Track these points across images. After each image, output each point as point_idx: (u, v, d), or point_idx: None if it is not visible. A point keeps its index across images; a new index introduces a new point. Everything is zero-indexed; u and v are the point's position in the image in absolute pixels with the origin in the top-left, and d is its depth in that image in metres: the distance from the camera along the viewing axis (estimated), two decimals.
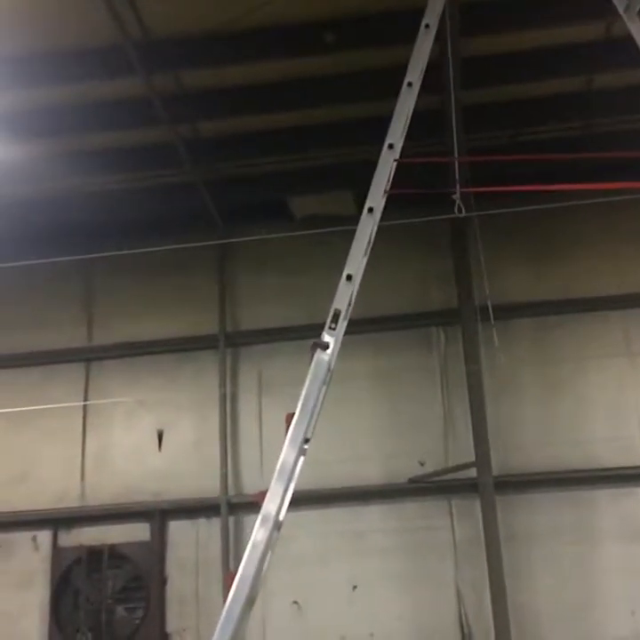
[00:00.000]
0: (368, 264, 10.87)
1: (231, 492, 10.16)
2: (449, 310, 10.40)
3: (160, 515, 10.17)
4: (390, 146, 5.07)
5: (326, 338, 5.06)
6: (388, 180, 5.13)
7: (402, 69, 8.55)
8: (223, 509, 10.02)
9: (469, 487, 9.71)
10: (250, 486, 10.23)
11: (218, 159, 9.86)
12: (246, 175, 10.14)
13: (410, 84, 5.15)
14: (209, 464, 10.27)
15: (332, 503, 10.01)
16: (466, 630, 9.42)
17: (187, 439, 10.51)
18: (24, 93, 8.65)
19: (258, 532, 4.53)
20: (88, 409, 10.68)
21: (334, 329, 5.01)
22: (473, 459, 9.63)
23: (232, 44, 8.27)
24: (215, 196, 10.26)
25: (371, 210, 5.00)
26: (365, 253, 5.13)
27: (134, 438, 10.57)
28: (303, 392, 4.89)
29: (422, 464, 9.99)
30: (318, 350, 4.99)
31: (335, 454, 10.00)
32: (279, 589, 9.73)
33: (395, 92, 8.88)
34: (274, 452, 10.28)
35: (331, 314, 5.11)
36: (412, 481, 9.91)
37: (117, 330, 10.88)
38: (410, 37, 8.02)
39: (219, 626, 4.26)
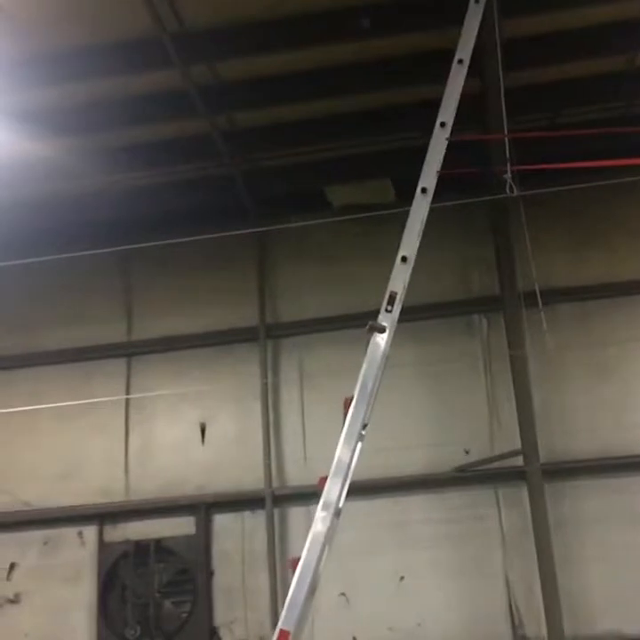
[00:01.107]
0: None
1: (275, 483, 10.13)
2: (491, 297, 10.31)
3: (205, 508, 10.16)
4: (442, 124, 4.99)
5: (382, 321, 4.99)
6: (441, 160, 5.02)
7: (439, 53, 8.60)
8: (268, 502, 9.99)
9: (516, 475, 9.62)
10: (293, 478, 10.21)
11: (255, 150, 9.83)
12: (283, 165, 10.09)
13: (460, 61, 5.08)
14: (252, 456, 10.25)
15: (377, 494, 9.94)
16: (516, 619, 9.32)
17: (229, 432, 10.49)
18: (62, 90, 8.69)
19: (319, 519, 4.53)
20: (130, 404, 10.69)
21: (390, 312, 4.96)
22: (519, 446, 9.53)
23: (267, 32, 8.23)
24: (252, 188, 10.23)
25: (424, 190, 4.94)
26: (419, 234, 5.04)
27: (177, 432, 10.57)
28: (360, 376, 4.84)
29: (467, 452, 9.90)
30: (374, 333, 4.92)
31: (378, 444, 9.85)
32: (326, 581, 9.49)
33: (432, 77, 8.90)
34: (317, 443, 10.43)
35: (386, 296, 5.06)
36: (457, 470, 9.82)
37: (157, 324, 10.88)
38: (447, 22, 8.04)
39: (283, 612, 4.26)
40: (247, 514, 10.18)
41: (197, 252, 10.66)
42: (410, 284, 10.56)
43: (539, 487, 9.30)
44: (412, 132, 9.66)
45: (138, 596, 10.02)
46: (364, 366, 4.92)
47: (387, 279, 10.41)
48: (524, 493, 9.51)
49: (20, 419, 10.61)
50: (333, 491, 4.68)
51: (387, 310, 5.16)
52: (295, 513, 10.12)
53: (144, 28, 7.94)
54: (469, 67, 5.78)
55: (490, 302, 10.30)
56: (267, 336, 10.59)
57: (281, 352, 10.66)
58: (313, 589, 4.41)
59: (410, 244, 5.21)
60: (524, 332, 9.57)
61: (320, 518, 4.54)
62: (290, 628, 4.36)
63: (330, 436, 10.10)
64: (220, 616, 9.93)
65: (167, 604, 10.00)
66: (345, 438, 4.83)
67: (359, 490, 9.56)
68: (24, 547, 10.47)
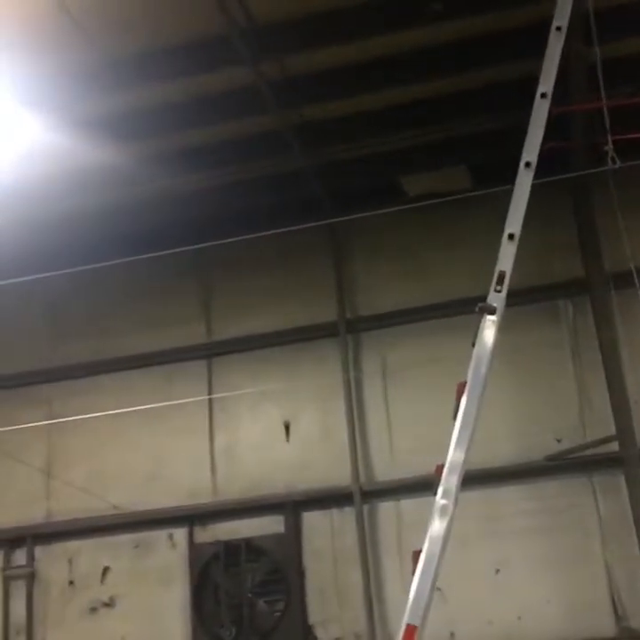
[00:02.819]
0: (484, 238, 10.61)
1: (362, 479, 10.02)
2: (575, 280, 10.03)
3: (293, 506, 10.11)
4: (543, 95, 4.81)
5: (492, 301, 4.84)
6: (542, 132, 4.83)
7: (514, 35, 8.40)
8: (356, 498, 9.89)
9: (611, 462, 9.34)
10: (381, 473, 10.11)
11: (327, 143, 9.70)
12: (357, 158, 9.93)
13: (558, 28, 4.85)
14: (337, 452, 10.17)
15: (467, 486, 9.61)
16: (619, 610, 9.04)
17: (313, 429, 10.42)
18: (131, 94, 8.71)
19: (439, 507, 4.43)
20: (214, 405, 10.70)
21: (500, 291, 4.80)
22: (613, 432, 9.25)
23: (336, 23, 8.09)
24: (326, 182, 10.12)
25: (528, 164, 4.77)
26: (524, 211, 4.87)
27: (261, 431, 10.55)
28: (473, 360, 4.72)
29: (559, 441, 9.64)
30: (485, 315, 4.78)
31: None
32: None
33: (507, 58, 8.72)
34: (403, 437, 10.28)
35: (495, 276, 4.91)
36: (549, 459, 9.57)
37: (236, 324, 10.87)
38: (515, 4, 7.86)
39: (408, 606, 4.17)
40: (335, 511, 10.10)
41: (273, 249, 10.66)
42: (490, 272, 10.39)
43: (636, 473, 9.01)
44: (486, 116, 9.48)
45: (231, 597, 10.00)
46: (476, 349, 4.79)
47: (465, 268, 10.38)
48: (621, 480, 9.23)
49: (105, 423, 10.68)
50: (452, 478, 4.59)
51: (496, 290, 5.01)
52: (384, 508, 10.01)
53: (212, 27, 7.89)
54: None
55: (575, 286, 10.03)
56: (347, 331, 10.48)
57: (362, 346, 10.54)
58: (435, 581, 4.32)
59: (516, 221, 5.07)
60: (614, 313, 9.29)
61: (440, 507, 4.45)
62: (416, 622, 4.26)
63: (416, 428, 10.12)
64: (314, 614, 9.86)
65: (260, 603, 9.96)
66: (461, 424, 4.71)
67: None
68: (116, 550, 10.56)
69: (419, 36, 8.39)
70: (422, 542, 9.87)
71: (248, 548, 10.08)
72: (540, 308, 10.15)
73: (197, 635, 9.98)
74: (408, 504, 9.91)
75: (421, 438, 10.00)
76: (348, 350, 10.43)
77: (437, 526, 4.38)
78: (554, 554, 9.34)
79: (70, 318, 11.49)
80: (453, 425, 4.90)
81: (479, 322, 4.87)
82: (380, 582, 9.74)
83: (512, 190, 9.76)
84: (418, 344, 10.28)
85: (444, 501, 4.44)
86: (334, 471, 10.11)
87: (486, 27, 8.33)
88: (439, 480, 4.60)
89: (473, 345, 5.07)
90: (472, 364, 4.75)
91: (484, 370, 4.74)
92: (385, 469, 10.10)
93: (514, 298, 9.85)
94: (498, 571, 9.48)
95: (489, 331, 4.85)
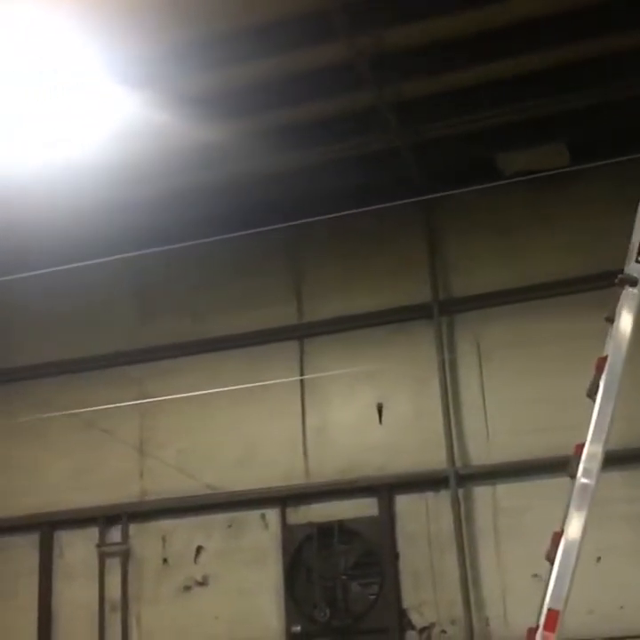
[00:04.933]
0: (583, 215, 10.26)
1: (457, 463, 9.86)
2: None
3: (386, 489, 10.01)
4: None
5: (632, 272, 4.64)
6: None
7: (619, 5, 8.05)
8: (452, 481, 9.74)
9: None
10: (476, 457, 9.92)
11: (422, 121, 9.46)
12: (452, 135, 9.67)
13: None
14: (431, 435, 10.02)
15: (566, 471, 9.48)
16: None
17: (406, 411, 10.28)
18: (228, 72, 8.61)
19: (580, 487, 4.32)
20: (305, 386, 10.64)
21: None
22: None
23: None
24: (420, 160, 9.90)
25: None
26: None
27: (353, 413, 10.45)
28: (612, 332, 4.53)
29: None
30: (626, 287, 4.59)
31: (566, 419, 9.44)
32: (517, 562, 9.39)
33: (608, 32, 8.38)
34: (499, 419, 10.06)
35: (636, 247, 4.68)
36: None
37: (327, 305, 10.76)
38: None
39: (550, 589, 4.07)
40: (430, 494, 9.96)
41: (365, 229, 10.54)
42: (589, 250, 10.07)
43: None
44: (585, 91, 9.16)
45: (324, 578, 9.97)
46: (616, 323, 4.61)
47: (563, 247, 10.09)
48: None
49: (196, 403, 10.76)
50: (593, 457, 4.46)
51: (637, 261, 4.81)
52: (480, 492, 9.83)
53: (308, 2, 7.76)
54: None
55: None
56: (440, 312, 10.29)
57: (456, 328, 10.34)
58: (576, 564, 4.20)
59: None
60: None
61: (580, 487, 4.34)
62: (559, 606, 4.16)
63: (512, 411, 9.90)
64: (409, 598, 9.76)
65: (354, 585, 9.91)
66: (601, 400, 4.58)
67: (547, 467, 9.36)
68: (209, 530, 10.61)
69: (518, 7, 8.09)
70: (515, 530, 9.73)
71: (341, 531, 10.03)
72: None
73: (291, 615, 9.99)
74: (504, 489, 9.74)
75: (517, 421, 9.83)
76: (442, 332, 10.25)
77: (578, 507, 4.27)
78: None
79: (160, 299, 11.53)
80: (590, 403, 4.72)
81: (618, 294, 4.66)
82: (475, 567, 9.59)
83: (612, 166, 9.48)
84: (514, 325, 10.06)
85: (584, 481, 4.35)
86: (428, 454, 9.97)
87: None
88: (578, 459, 4.47)
89: (607, 319, 4.89)
90: (612, 337, 4.57)
91: (624, 344, 4.56)
92: (480, 453, 9.92)
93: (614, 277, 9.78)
94: (599, 558, 9.21)
95: (630, 303, 4.66)
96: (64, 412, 10.87)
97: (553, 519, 9.10)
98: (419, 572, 9.79)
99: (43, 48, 7.71)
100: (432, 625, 9.64)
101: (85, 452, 11.20)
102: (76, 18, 7.52)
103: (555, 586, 4.21)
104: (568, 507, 4.39)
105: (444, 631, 9.58)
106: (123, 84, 8.41)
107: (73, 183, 9.69)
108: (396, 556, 9.89)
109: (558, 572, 4.23)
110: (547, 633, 4.59)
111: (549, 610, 4.23)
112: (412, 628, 9.70)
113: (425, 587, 9.73)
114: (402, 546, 9.93)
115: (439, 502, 9.89)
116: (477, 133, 9.64)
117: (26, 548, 11.19)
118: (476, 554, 9.64)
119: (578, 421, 9.38)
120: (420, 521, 9.93)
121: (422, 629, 9.67)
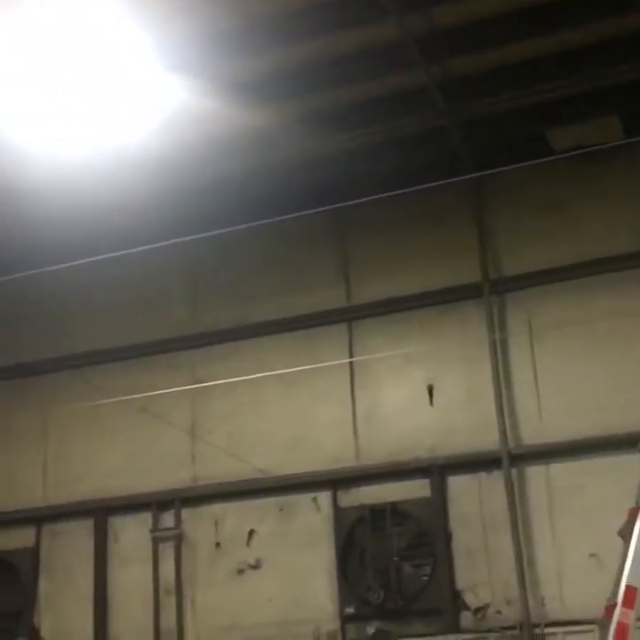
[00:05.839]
0: (637, 190, 10.08)
1: (510, 443, 9.78)
2: None
3: (438, 470, 9.96)
4: None
5: None
6: None
7: None
8: (504, 462, 9.65)
9: None
10: (529, 436, 9.83)
11: (471, 98, 9.38)
12: (501, 112, 9.55)
13: None
14: (483, 416, 9.93)
15: (620, 449, 9.36)
16: None
17: (457, 392, 10.22)
18: (273, 55, 8.64)
19: None
20: (355, 368, 10.63)
21: None
22: None
23: None
24: (469, 138, 9.82)
25: None
26: None
27: (404, 394, 10.41)
28: None
29: None
30: None
31: (621, 398, 9.43)
32: (573, 541, 9.30)
33: None
34: (552, 399, 9.95)
35: None
36: None
37: (376, 287, 10.73)
38: None
39: (627, 567, 3.99)
40: (483, 475, 9.89)
41: (413, 209, 10.51)
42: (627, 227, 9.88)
43: None
44: (638, 63, 9.00)
45: (377, 560, 9.96)
46: None
47: (615, 222, 9.96)
48: None
49: (246, 388, 10.81)
50: None
51: None
52: (533, 472, 9.74)
53: None
54: None
55: None
56: (491, 292, 10.20)
57: (507, 307, 10.25)
58: None
59: None
60: None
61: None
62: (637, 583, 4.08)
63: (564, 390, 9.80)
64: (462, 579, 9.71)
65: (407, 567, 9.89)
66: None
67: (601, 445, 9.28)
68: (261, 513, 10.65)
69: None
70: (571, 508, 9.58)
71: (393, 512, 10.02)
72: None
73: (344, 597, 10.00)
74: (558, 468, 9.65)
75: (570, 400, 9.72)
76: (493, 311, 10.16)
77: None
78: None
79: (211, 285, 11.59)
80: None
81: None
82: (530, 547, 9.50)
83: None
84: (565, 303, 9.94)
85: None
86: (480, 435, 9.90)
87: None
88: None
89: None
90: None
91: None
92: (532, 433, 9.82)
93: None
94: None
95: None
96: (118, 399, 10.97)
97: (608, 498, 9.12)
98: (472, 552, 9.73)
99: (97, 40, 7.78)
100: (487, 605, 9.57)
101: (138, 438, 11.33)
102: (130, 5, 7.61)
103: (633, 563, 4.12)
104: None
105: (499, 611, 9.50)
106: (172, 71, 8.47)
107: (124, 172, 9.76)
108: (448, 538, 9.84)
109: (636, 549, 4.13)
110: (626, 609, 4.53)
111: (628, 587, 4.16)
112: (467, 608, 9.64)
113: (479, 567, 9.66)
114: (455, 527, 9.88)
115: (492, 483, 9.81)
116: (527, 109, 9.52)
117: (81, 534, 11.35)
118: (530, 534, 9.55)
119: (633, 399, 9.39)
120: (473, 502, 9.86)
121: (477, 610, 9.60)
